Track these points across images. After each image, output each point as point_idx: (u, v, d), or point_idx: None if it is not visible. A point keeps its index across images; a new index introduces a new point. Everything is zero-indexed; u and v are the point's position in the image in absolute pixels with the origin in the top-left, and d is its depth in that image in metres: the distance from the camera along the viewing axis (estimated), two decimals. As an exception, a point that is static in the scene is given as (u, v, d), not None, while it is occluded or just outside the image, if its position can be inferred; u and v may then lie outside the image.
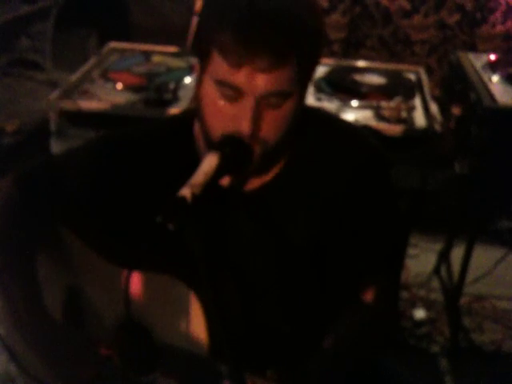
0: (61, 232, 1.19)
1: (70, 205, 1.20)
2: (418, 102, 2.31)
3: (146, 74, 2.38)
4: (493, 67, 2.31)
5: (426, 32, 3.48)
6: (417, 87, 2.42)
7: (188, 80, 2.32)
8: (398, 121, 2.15)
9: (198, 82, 1.10)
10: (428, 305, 2.54)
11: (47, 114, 2.17)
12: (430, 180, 2.20)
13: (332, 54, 3.47)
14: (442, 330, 2.43)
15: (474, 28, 3.44)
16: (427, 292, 2.62)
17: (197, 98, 1.10)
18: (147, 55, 2.58)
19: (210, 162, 1.01)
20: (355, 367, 1.22)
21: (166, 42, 2.63)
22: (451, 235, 2.64)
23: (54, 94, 2.20)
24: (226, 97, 1.04)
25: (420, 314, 2.47)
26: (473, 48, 3.39)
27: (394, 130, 2.12)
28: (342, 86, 2.33)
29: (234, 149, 1.04)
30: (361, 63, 2.66)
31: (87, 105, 2.17)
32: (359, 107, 2.23)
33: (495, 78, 2.22)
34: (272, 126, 1.06)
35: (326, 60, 2.73)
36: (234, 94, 1.03)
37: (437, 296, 2.60)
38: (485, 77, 2.23)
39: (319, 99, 2.27)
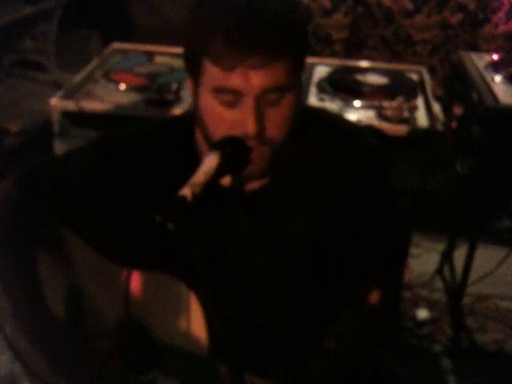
0: (61, 232, 1.19)
1: (71, 204, 1.20)
2: (420, 101, 2.31)
3: (149, 75, 2.38)
4: (495, 67, 2.30)
5: (428, 32, 3.47)
6: (419, 87, 2.42)
7: (190, 80, 2.33)
8: (400, 121, 2.15)
9: (195, 98, 1.11)
10: (430, 305, 2.53)
11: (50, 114, 2.18)
12: (430, 180, 2.20)
13: (334, 54, 3.48)
14: (445, 330, 2.43)
15: (476, 28, 3.43)
16: (430, 292, 2.61)
17: (197, 111, 1.11)
18: (150, 56, 2.58)
19: (210, 162, 1.01)
20: (355, 367, 1.23)
21: (168, 42, 2.62)
22: (452, 235, 2.64)
23: (57, 95, 2.21)
24: (225, 103, 1.05)
25: (423, 313, 2.46)
26: (475, 48, 3.38)
27: (396, 129, 2.12)
28: (344, 86, 2.33)
29: (234, 149, 1.05)
30: (363, 63, 2.66)
31: (90, 105, 2.18)
32: (361, 107, 2.23)
33: (498, 78, 2.21)
34: (276, 123, 1.07)
35: (327, 60, 2.74)
36: (232, 98, 1.04)
37: (439, 296, 2.59)
38: (487, 77, 2.22)
39: (321, 99, 2.28)
